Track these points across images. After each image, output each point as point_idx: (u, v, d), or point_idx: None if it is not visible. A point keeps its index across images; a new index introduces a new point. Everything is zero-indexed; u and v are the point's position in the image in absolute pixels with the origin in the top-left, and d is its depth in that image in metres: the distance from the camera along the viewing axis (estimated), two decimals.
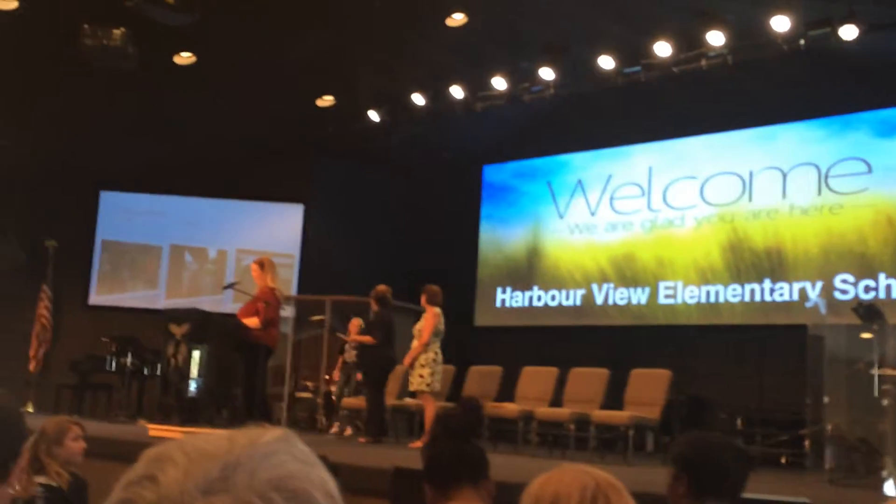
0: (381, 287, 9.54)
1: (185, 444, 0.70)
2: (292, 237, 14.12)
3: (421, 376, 8.95)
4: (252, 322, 8.56)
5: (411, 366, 9.05)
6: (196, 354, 11.34)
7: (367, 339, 9.50)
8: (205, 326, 10.86)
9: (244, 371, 8.76)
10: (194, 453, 0.69)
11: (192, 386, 11.32)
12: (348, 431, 10.04)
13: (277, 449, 0.71)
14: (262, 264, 8.83)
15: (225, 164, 13.55)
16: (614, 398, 9.15)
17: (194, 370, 11.19)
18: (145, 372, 12.21)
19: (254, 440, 0.71)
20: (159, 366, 11.87)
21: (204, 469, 0.67)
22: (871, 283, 10.27)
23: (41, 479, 4.04)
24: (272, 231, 14.17)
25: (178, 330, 10.73)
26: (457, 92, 11.93)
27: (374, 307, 9.55)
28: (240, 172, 13.67)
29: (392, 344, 9.53)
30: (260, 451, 0.70)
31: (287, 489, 0.68)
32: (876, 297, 9.92)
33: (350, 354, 10.43)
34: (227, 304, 12.80)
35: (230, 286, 10.38)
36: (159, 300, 13.90)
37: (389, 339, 9.50)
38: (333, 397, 10.94)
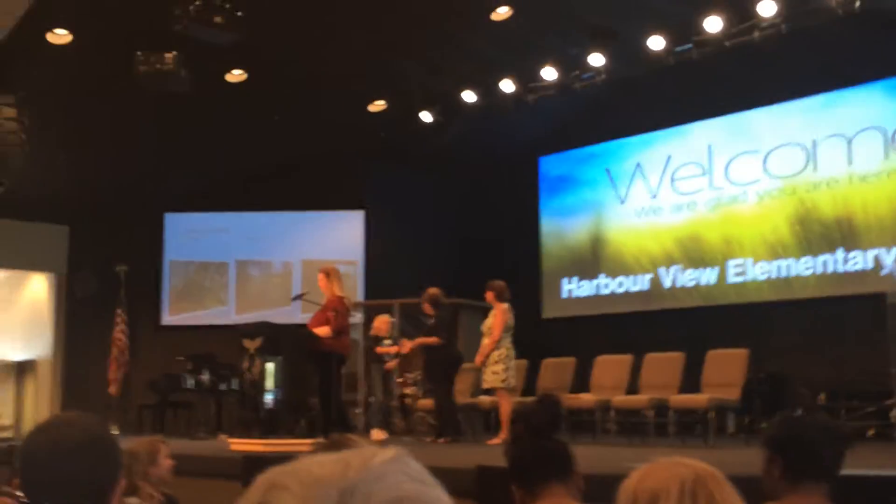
0: (432, 289, 9.60)
1: (298, 472, 0.70)
2: (355, 244, 14.20)
3: (495, 373, 8.94)
4: (323, 331, 8.63)
5: (484, 363, 9.04)
6: (270, 367, 11.46)
7: (431, 340, 9.53)
8: (277, 339, 10.94)
9: (319, 380, 8.84)
10: (308, 480, 0.69)
11: (269, 398, 11.45)
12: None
13: (391, 469, 0.71)
14: (328, 273, 8.91)
15: (283, 176, 13.69)
16: (691, 381, 9.03)
17: (270, 383, 11.31)
18: (222, 388, 12.40)
19: (367, 463, 0.71)
20: (235, 380, 12.04)
21: (320, 496, 0.67)
22: None
23: (133, 501, 4.11)
24: (334, 239, 14.27)
25: (251, 344, 10.84)
26: (507, 86, 11.89)
27: (429, 310, 9.59)
28: (298, 184, 13.80)
29: (455, 342, 9.56)
30: (374, 474, 0.69)
31: None
32: None
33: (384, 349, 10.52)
34: (296, 315, 12.91)
35: (298, 297, 10.49)
36: (230, 316, 14.10)
37: (451, 338, 9.55)
38: (408, 400, 10.98)
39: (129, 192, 13.72)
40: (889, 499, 3.96)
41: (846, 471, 2.73)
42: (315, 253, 14.21)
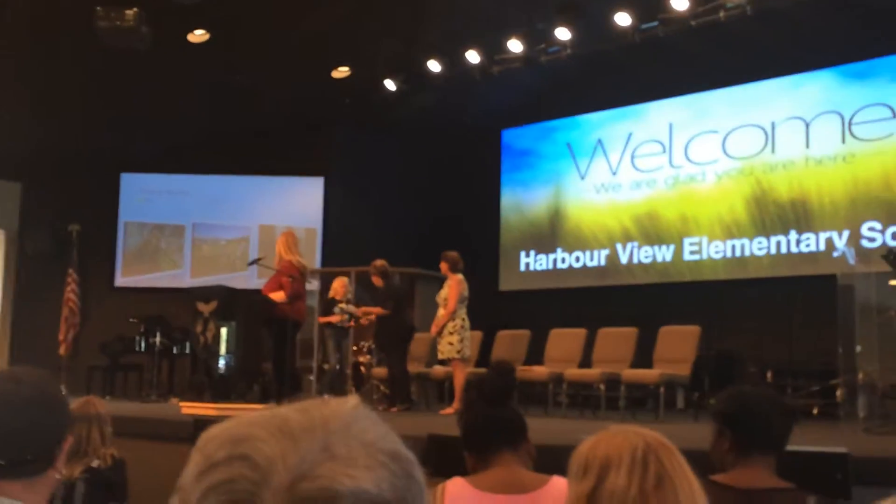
0: (380, 261, 9.62)
1: (264, 422, 0.68)
2: (314, 210, 14.12)
3: (451, 344, 8.98)
4: (278, 296, 8.59)
5: (439, 334, 9.07)
6: (224, 331, 11.41)
7: (378, 310, 9.54)
8: (232, 303, 10.91)
9: (273, 346, 8.81)
10: (284, 429, 0.67)
11: (222, 363, 11.40)
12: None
13: (360, 415, 0.71)
14: (286, 238, 8.87)
15: (243, 140, 13.55)
16: (644, 357, 9.15)
17: (223, 347, 11.27)
18: (175, 351, 12.32)
19: (338, 409, 0.70)
20: (188, 344, 11.96)
21: (305, 441, 0.66)
22: None
23: (83, 461, 4.08)
24: (293, 205, 14.18)
25: (205, 307, 10.78)
26: (473, 57, 11.83)
27: (378, 281, 9.60)
28: (258, 148, 13.67)
29: (406, 312, 9.57)
30: (347, 419, 0.69)
31: (386, 451, 0.68)
32: None
33: (337, 318, 10.24)
34: (252, 280, 12.85)
35: (255, 262, 10.43)
36: (185, 279, 13.98)
37: (402, 308, 9.54)
38: (362, 368, 10.98)
39: (84, 151, 13.50)
40: (832, 475, 4.03)
41: (792, 446, 2.78)
42: (273, 218, 14.12)
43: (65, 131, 13.17)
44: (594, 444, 1.69)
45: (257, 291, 9.51)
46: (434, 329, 9.12)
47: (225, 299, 10.71)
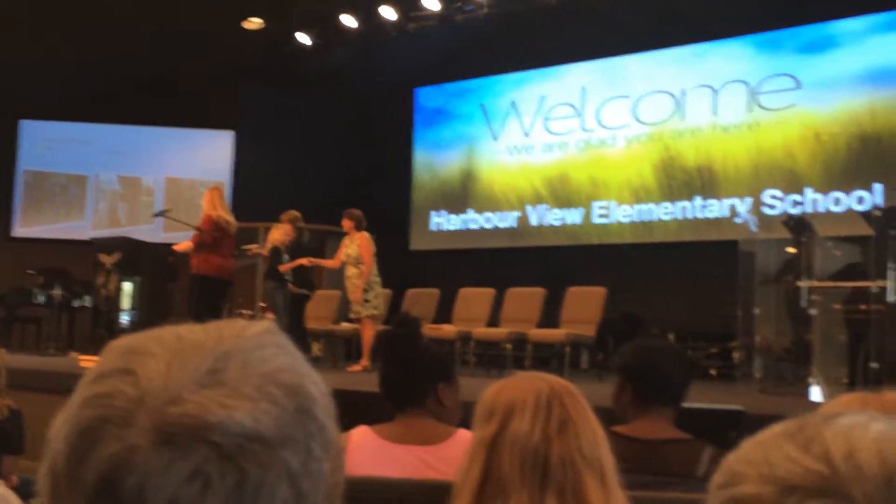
0: (293, 211, 9.41)
1: (162, 337, 0.65)
2: (223, 165, 13.86)
3: (367, 301, 8.92)
4: (182, 246, 8.45)
5: (352, 291, 9.01)
6: (128, 286, 11.13)
7: (330, 262, 9.39)
8: (136, 256, 10.62)
9: (195, 304, 8.66)
10: (177, 345, 0.63)
11: (125, 318, 11.13)
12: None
13: (267, 341, 0.66)
14: (210, 194, 8.75)
15: (150, 90, 13.14)
16: (551, 317, 9.27)
17: (126, 302, 10.99)
18: (75, 304, 11.97)
19: (242, 331, 0.66)
20: (89, 297, 11.64)
21: (192, 361, 0.62)
22: (798, 197, 10.48)
23: None
24: (202, 158, 13.88)
25: (107, 259, 10.48)
26: (388, 13, 11.70)
27: (293, 233, 9.37)
28: (167, 99, 13.28)
29: (310, 269, 9.39)
30: (250, 343, 0.65)
31: (283, 382, 0.63)
32: (803, 211, 10.14)
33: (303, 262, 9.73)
34: (158, 233, 12.56)
35: (160, 214, 10.20)
36: (87, 231, 13.57)
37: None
38: None
39: None
40: (727, 431, 4.16)
41: (689, 404, 2.85)
42: (181, 171, 13.80)
43: None
44: (499, 389, 1.69)
45: (164, 245, 9.30)
46: (359, 288, 8.96)
47: (128, 252, 10.42)
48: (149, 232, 12.69)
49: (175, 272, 8.50)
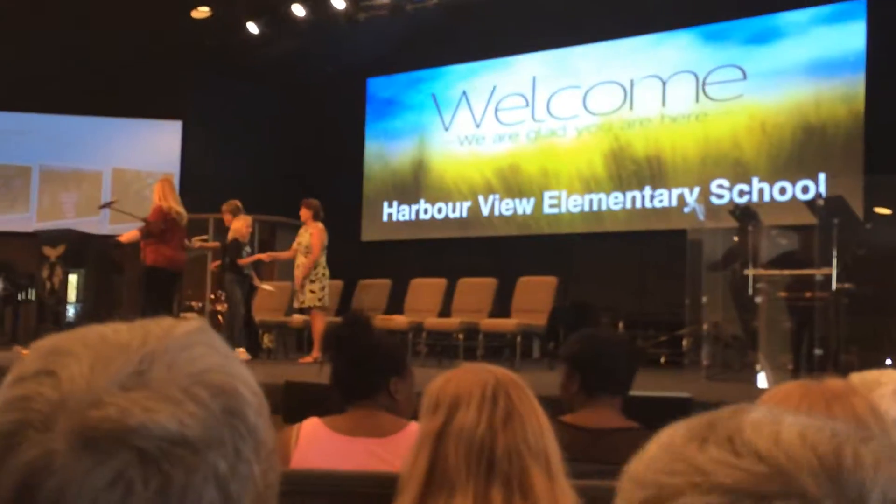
0: (234, 200, 9.34)
1: (86, 337, 0.63)
2: (171, 155, 13.68)
3: (312, 292, 8.89)
4: (127, 236, 8.35)
5: (301, 283, 8.96)
6: (73, 278, 10.96)
7: (286, 254, 9.33)
8: (81, 248, 10.46)
9: (143, 297, 8.55)
10: (100, 346, 0.62)
11: (71, 311, 10.96)
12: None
13: (196, 340, 0.65)
14: (160, 185, 8.64)
15: (95, 79, 12.91)
16: (502, 307, 9.31)
17: (72, 295, 10.82)
18: (19, 297, 11.76)
19: (169, 331, 0.65)
20: (34, 290, 11.44)
21: (115, 363, 0.60)
22: (745, 187, 10.63)
23: None
24: (149, 149, 13.69)
25: (52, 252, 10.31)
26: (338, 2, 11.63)
27: (231, 221, 9.27)
28: (113, 89, 13.06)
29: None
30: (177, 343, 0.63)
31: (211, 384, 0.62)
32: (749, 200, 10.28)
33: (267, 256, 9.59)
34: (104, 225, 12.37)
35: (106, 205, 10.04)
36: (31, 223, 13.32)
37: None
38: (220, 317, 10.77)
39: None
40: (675, 419, 4.21)
41: (638, 391, 2.88)
42: (128, 161, 13.60)
43: None
44: (445, 381, 1.70)
45: (110, 237, 9.16)
46: (300, 276, 8.96)
47: (74, 244, 10.26)
48: (95, 224, 12.49)
49: (121, 264, 8.39)
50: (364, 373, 2.70)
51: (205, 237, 10.22)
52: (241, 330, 8.98)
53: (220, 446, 0.60)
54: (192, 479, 0.58)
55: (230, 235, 9.20)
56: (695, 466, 0.59)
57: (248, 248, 9.21)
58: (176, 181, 13.34)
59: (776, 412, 0.62)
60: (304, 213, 9.08)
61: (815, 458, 0.57)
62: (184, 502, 0.58)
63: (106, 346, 0.62)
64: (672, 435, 0.63)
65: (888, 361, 6.66)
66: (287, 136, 13.61)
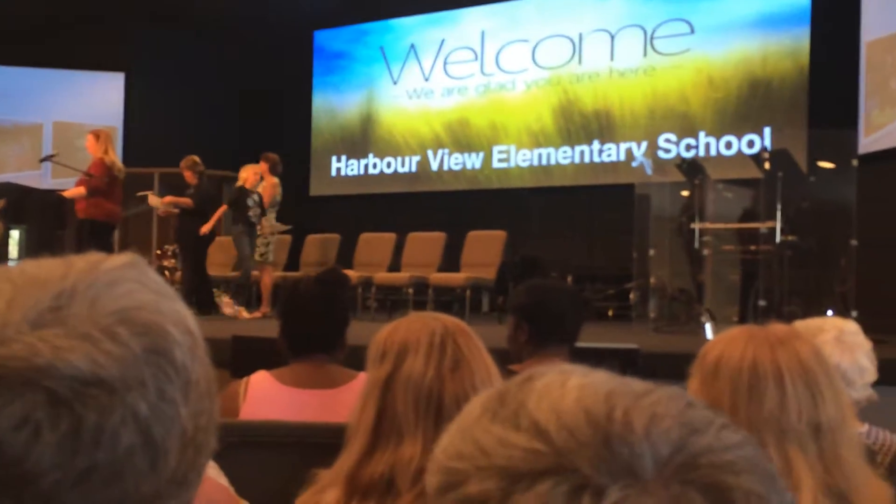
0: (193, 156, 9.13)
1: (11, 272, 0.60)
2: (114, 108, 13.41)
3: (256, 247, 8.82)
4: (73, 192, 8.17)
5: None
6: (16, 234, 10.73)
7: (185, 200, 9.00)
8: (23, 202, 10.22)
9: (78, 250, 8.37)
10: (22, 281, 0.58)
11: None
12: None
13: (124, 276, 0.61)
14: (97, 136, 8.41)
15: (35, 31, 12.57)
16: (451, 261, 9.32)
17: (14, 250, 10.59)
18: None
19: (95, 265, 0.61)
20: None
21: (33, 298, 0.57)
22: (692, 141, 10.72)
23: None
24: (91, 102, 13.38)
25: None
26: None
27: (191, 178, 9.07)
28: (53, 41, 12.72)
29: (209, 214, 9.02)
30: (103, 279, 0.60)
31: (135, 322, 0.59)
32: (696, 154, 10.37)
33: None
34: (47, 179, 12.11)
35: (47, 158, 9.82)
36: None
37: (206, 210, 9.00)
38: (166, 273, 10.63)
39: None
40: (623, 369, 4.26)
41: (586, 343, 2.90)
42: (70, 115, 13.30)
43: None
44: (393, 329, 1.69)
45: (52, 192, 8.98)
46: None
47: (15, 198, 10.02)
48: (36, 178, 12.23)
49: (64, 219, 8.21)
50: (329, 328, 2.69)
51: (150, 192, 10.00)
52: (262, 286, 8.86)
53: (140, 387, 0.57)
54: (106, 420, 0.55)
55: (239, 183, 8.87)
56: (479, 447, 0.55)
57: (255, 197, 8.82)
58: (119, 134, 13.11)
59: (566, 375, 0.57)
60: (263, 166, 8.98)
61: (587, 427, 0.53)
62: (98, 445, 0.55)
63: (25, 282, 0.59)
64: (468, 411, 0.59)
65: (829, 312, 6.80)
66: (233, 89, 13.38)
